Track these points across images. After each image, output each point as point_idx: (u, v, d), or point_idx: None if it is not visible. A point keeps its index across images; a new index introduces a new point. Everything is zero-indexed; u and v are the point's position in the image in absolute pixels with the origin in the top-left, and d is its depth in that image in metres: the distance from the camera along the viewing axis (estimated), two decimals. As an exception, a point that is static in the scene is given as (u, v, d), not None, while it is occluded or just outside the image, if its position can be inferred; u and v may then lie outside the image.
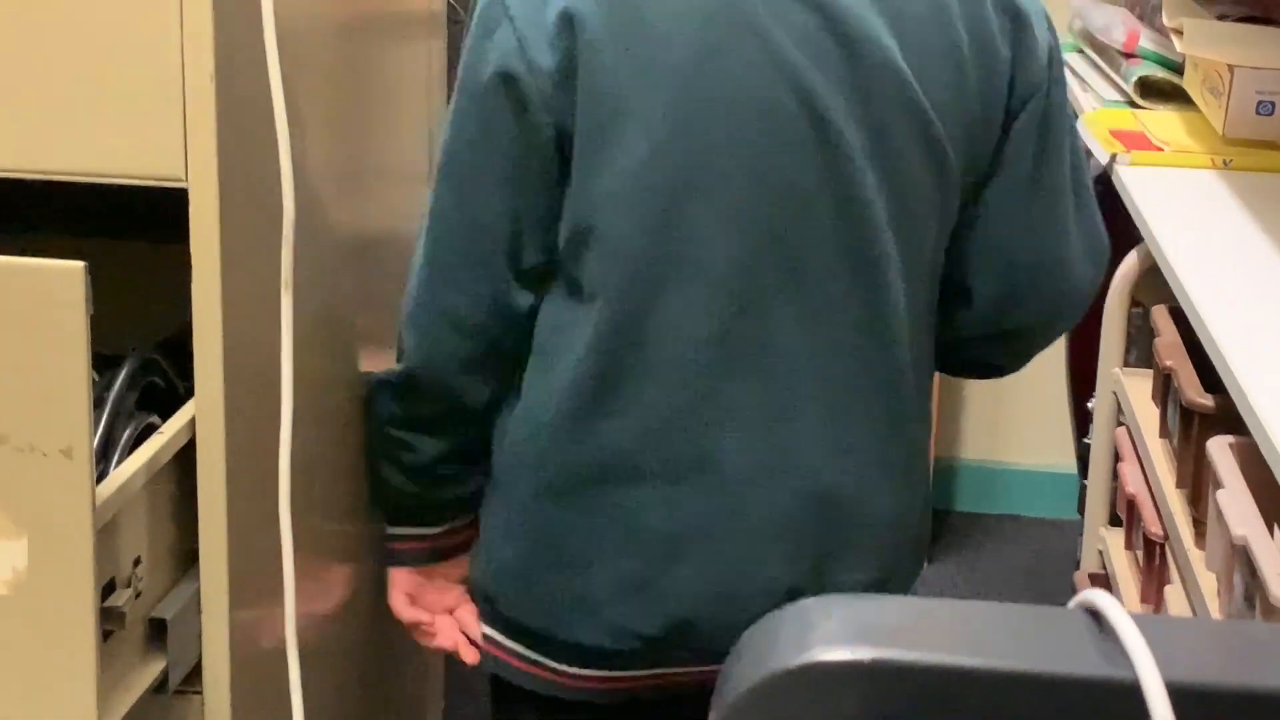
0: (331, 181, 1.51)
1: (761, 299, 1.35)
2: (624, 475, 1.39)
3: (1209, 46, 2.10)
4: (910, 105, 1.34)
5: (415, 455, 1.49)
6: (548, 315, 1.40)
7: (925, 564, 1.59)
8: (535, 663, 1.48)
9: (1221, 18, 2.31)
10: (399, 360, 1.46)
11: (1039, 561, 2.89)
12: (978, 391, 3.05)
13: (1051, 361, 2.91)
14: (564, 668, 1.47)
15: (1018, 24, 1.38)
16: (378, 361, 1.54)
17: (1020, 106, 1.40)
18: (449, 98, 1.41)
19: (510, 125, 1.33)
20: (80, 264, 1.09)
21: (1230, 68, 2.04)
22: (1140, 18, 2.57)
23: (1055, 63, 1.41)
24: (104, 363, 1.29)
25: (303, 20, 1.38)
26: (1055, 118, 1.42)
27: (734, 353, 1.36)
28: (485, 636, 1.52)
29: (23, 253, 1.13)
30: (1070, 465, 2.86)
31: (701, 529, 1.39)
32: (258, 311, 1.31)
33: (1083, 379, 2.74)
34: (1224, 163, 2.05)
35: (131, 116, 1.23)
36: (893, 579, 1.48)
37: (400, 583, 1.56)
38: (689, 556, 1.40)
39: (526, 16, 1.31)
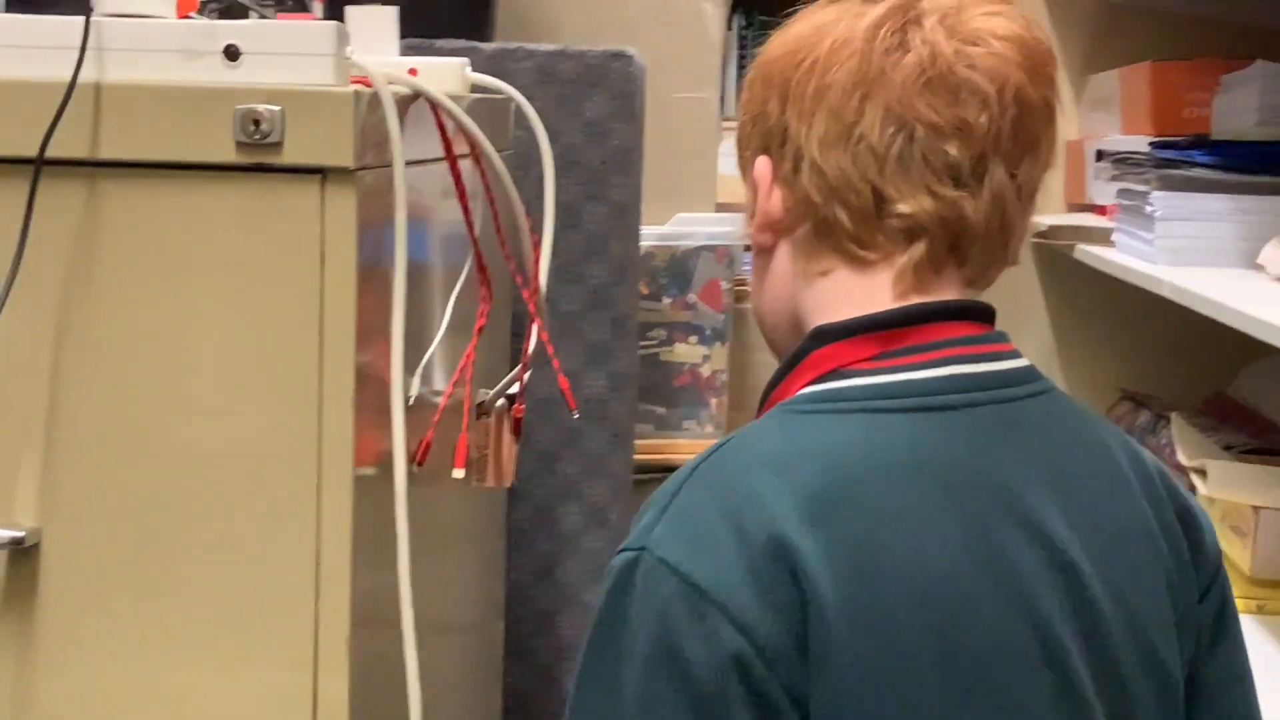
0: None
1: None
2: None
3: (1235, 489, 2.07)
4: (1134, 635, 1.23)
5: None
6: None
7: None
8: None
9: (1227, 448, 2.29)
10: None
11: None
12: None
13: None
14: None
15: (1187, 518, 1.30)
16: None
17: (1204, 598, 1.30)
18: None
19: None
20: None
21: (1255, 509, 2.01)
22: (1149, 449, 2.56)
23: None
24: None
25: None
26: (1232, 604, 1.33)
27: None
28: None
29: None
30: None
31: None
32: None
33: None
34: (1257, 607, 2.00)
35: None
36: None
37: None
38: None
39: (726, 583, 1.10)
